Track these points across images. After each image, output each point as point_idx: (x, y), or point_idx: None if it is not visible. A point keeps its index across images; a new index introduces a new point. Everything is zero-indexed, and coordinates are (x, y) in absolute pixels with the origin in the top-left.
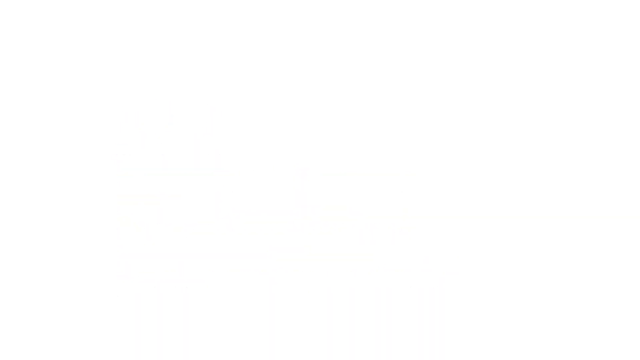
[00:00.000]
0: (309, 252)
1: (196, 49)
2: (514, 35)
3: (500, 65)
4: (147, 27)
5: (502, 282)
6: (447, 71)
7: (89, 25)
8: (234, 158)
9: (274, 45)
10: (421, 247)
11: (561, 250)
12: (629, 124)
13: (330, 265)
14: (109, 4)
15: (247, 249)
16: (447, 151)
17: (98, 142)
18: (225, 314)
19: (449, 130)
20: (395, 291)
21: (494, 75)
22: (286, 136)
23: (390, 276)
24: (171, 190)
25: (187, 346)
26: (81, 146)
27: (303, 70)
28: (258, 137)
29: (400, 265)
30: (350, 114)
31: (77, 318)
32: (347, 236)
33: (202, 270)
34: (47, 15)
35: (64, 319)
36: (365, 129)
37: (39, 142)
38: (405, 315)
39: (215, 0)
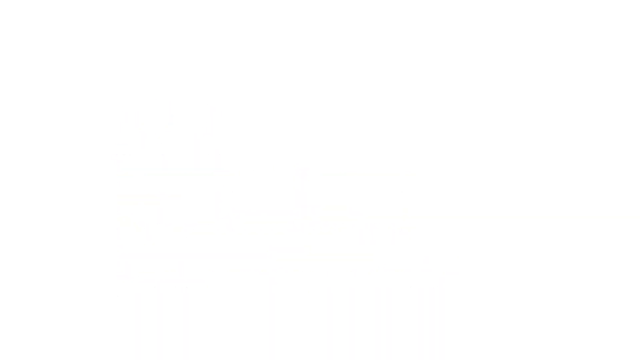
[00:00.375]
0: (309, 252)
1: (196, 49)
2: (514, 35)
3: (500, 65)
4: (147, 27)
5: (502, 282)
6: (447, 71)
7: (89, 25)
8: (234, 158)
9: (274, 45)
10: (421, 247)
11: (561, 250)
12: (629, 124)
13: (330, 265)
14: (109, 4)
15: (247, 249)
16: (447, 151)
17: (98, 142)
18: (225, 314)
19: (449, 130)
20: (395, 291)
21: (494, 75)
22: (286, 136)
23: (390, 276)
24: (171, 190)
25: (187, 346)
26: (81, 146)
27: (303, 70)
28: (258, 137)
29: (400, 265)
30: (351, 114)
31: (77, 318)
32: (347, 236)
33: (202, 270)
34: (47, 15)
35: (64, 318)
36: (365, 129)
37: (40, 143)
38: (405, 316)
39: (215, 0)
